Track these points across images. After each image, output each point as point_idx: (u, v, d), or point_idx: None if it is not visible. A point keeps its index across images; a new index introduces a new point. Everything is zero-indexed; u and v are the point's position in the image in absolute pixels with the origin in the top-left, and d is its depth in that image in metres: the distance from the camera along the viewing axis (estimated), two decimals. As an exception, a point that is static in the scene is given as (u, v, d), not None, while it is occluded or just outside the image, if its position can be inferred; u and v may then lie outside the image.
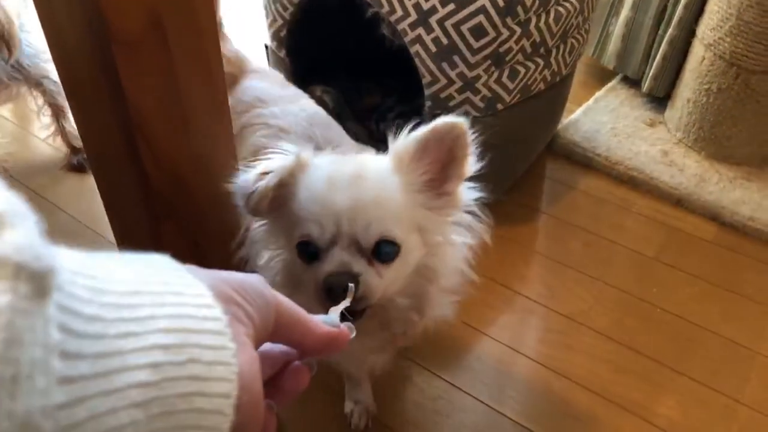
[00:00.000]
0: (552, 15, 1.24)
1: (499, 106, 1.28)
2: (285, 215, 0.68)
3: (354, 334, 0.42)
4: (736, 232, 1.47)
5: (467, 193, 0.70)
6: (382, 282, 0.65)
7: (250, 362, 0.32)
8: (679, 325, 1.25)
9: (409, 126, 0.67)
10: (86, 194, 1.55)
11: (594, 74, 2.03)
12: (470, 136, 0.66)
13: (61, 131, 1.58)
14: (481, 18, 1.13)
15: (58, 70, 0.63)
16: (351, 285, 0.57)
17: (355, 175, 0.66)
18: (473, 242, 0.73)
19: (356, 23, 1.36)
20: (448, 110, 1.27)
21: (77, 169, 1.60)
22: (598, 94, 1.92)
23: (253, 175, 0.66)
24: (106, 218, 1.47)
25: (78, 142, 1.60)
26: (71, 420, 0.25)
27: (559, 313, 1.27)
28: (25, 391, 0.22)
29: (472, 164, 0.68)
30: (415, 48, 1.21)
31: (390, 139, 0.69)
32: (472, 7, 1.13)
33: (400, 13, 1.19)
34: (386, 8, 1.21)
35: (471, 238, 0.73)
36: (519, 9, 1.14)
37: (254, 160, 0.68)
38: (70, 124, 1.58)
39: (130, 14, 0.54)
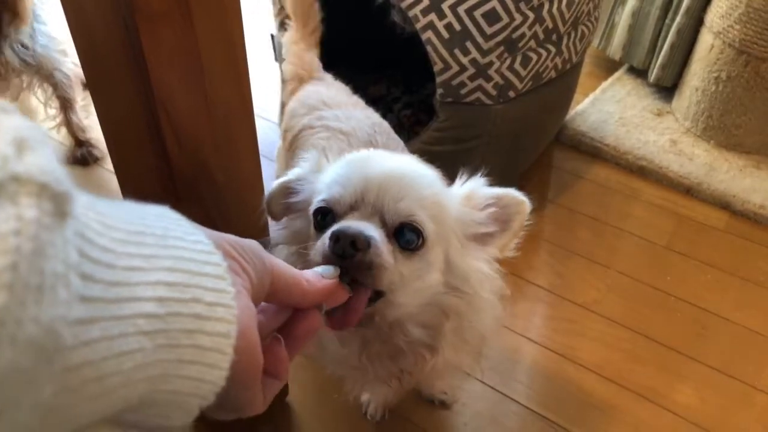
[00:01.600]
0: (564, 1, 1.22)
1: (511, 94, 1.27)
2: (304, 216, 0.66)
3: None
4: (747, 220, 1.47)
5: (490, 268, 0.66)
6: (396, 269, 0.57)
7: (247, 310, 0.34)
8: (693, 313, 1.24)
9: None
10: (91, 187, 1.53)
11: (599, 64, 2.02)
12: (527, 219, 0.65)
13: (68, 123, 1.56)
14: (494, 3, 1.12)
15: (76, 44, 0.61)
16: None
17: (402, 159, 0.65)
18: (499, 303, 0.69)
19: (365, 11, 1.34)
20: (460, 99, 1.26)
21: (81, 162, 1.58)
22: (604, 84, 1.92)
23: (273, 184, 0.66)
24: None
25: (83, 135, 1.58)
26: (87, 337, 0.26)
27: (572, 301, 1.26)
28: (49, 301, 0.24)
29: (512, 246, 0.67)
30: (427, 34, 1.20)
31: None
32: (485, -8, 1.11)
33: (411, -1, 1.18)
34: (397, -6, 1.19)
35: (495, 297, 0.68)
36: (533, -6, 1.13)
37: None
38: (77, 116, 1.56)
39: (153, -15, 0.53)
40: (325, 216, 0.60)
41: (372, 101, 1.68)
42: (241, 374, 0.34)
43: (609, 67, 2.00)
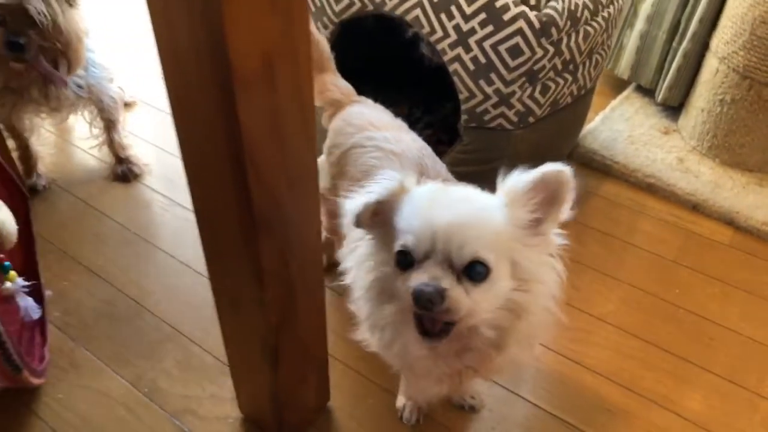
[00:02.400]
0: (581, 34, 1.32)
1: (531, 119, 1.36)
2: (386, 231, 0.76)
3: None
4: (751, 235, 1.56)
5: (556, 238, 0.76)
6: (469, 300, 0.70)
7: None
8: (701, 324, 1.33)
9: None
10: (132, 202, 1.63)
11: (608, 83, 2.12)
12: (572, 184, 0.72)
13: (110, 142, 1.65)
14: (518, 39, 1.22)
15: (170, 94, 0.70)
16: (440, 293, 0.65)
17: (460, 198, 0.75)
18: (560, 284, 0.78)
19: (392, 40, 1.44)
20: (483, 124, 1.36)
21: (122, 178, 1.67)
22: (613, 102, 2.01)
23: (362, 194, 0.76)
24: (152, 225, 1.55)
25: (124, 153, 1.67)
26: None
27: (587, 313, 1.35)
28: None
29: (567, 210, 0.74)
30: (454, 66, 1.30)
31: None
32: (509, 29, 1.21)
33: (440, 33, 1.27)
34: (427, 29, 1.29)
35: (558, 280, 0.78)
36: (553, 30, 1.23)
37: (364, 179, 0.77)
38: (119, 135, 1.66)
39: (250, 56, 0.62)
40: (405, 257, 0.72)
41: (395, 121, 1.78)
42: None
43: (617, 85, 2.09)
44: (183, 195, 1.64)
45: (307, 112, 0.74)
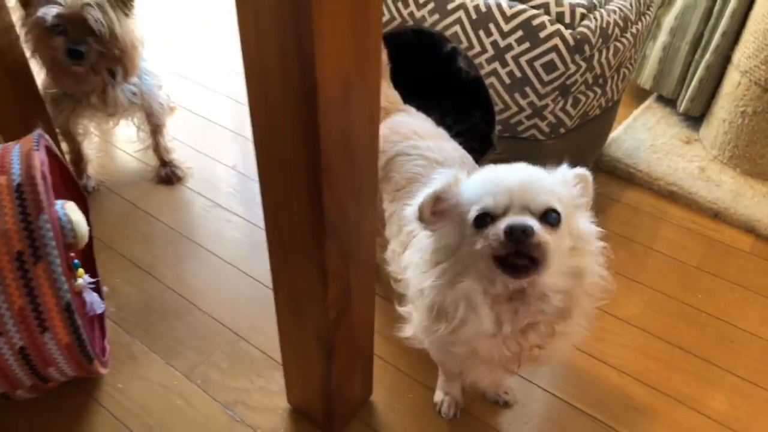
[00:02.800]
0: (611, 50, 1.38)
1: (562, 130, 1.43)
2: (450, 218, 0.85)
3: None
4: (771, 243, 1.62)
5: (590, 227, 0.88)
6: (551, 239, 0.78)
7: None
8: (723, 329, 1.39)
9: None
10: (176, 204, 1.71)
11: (631, 92, 2.18)
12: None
13: (156, 146, 1.74)
14: (552, 55, 1.28)
15: (253, 113, 0.78)
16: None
17: (519, 166, 0.87)
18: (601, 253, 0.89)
19: (429, 53, 1.51)
20: (517, 134, 1.43)
21: (166, 181, 1.75)
22: (635, 112, 2.07)
23: (420, 194, 0.85)
24: (195, 226, 1.63)
25: (168, 156, 1.76)
26: None
27: (614, 315, 1.41)
28: None
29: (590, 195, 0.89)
30: (491, 80, 1.37)
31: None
32: (545, 46, 1.28)
33: (478, 49, 1.35)
34: (465, 44, 1.36)
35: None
36: (586, 47, 1.29)
37: (408, 186, 0.86)
38: (164, 139, 1.74)
39: (332, 82, 0.70)
40: (484, 219, 0.81)
41: (426, 129, 1.85)
42: None
43: (640, 95, 2.15)
44: (223, 197, 1.73)
45: (374, 128, 0.81)
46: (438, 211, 0.86)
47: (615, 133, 1.95)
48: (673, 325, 1.40)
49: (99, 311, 1.23)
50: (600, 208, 1.73)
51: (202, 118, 2.03)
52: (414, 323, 1.03)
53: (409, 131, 1.21)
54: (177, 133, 1.91)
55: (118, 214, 1.66)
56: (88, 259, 1.41)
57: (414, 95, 1.65)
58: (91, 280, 1.23)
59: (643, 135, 1.96)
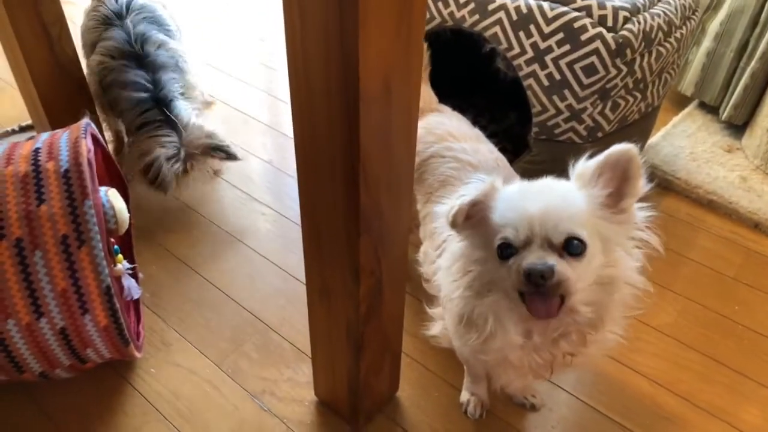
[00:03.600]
0: (654, 54, 1.36)
1: (599, 134, 1.42)
2: (482, 230, 0.84)
3: None
4: (813, 257, 1.57)
5: (640, 211, 0.84)
6: (573, 273, 0.77)
7: None
8: (759, 341, 1.36)
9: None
10: (212, 196, 1.75)
11: (671, 98, 2.14)
12: (640, 160, 0.79)
13: None
14: (593, 58, 1.27)
15: (295, 110, 0.79)
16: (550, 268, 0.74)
17: (543, 188, 0.83)
18: (643, 255, 0.86)
19: (468, 54, 1.51)
20: (553, 137, 1.42)
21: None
22: (675, 119, 2.03)
23: (455, 198, 0.84)
24: (231, 218, 1.65)
25: None
26: None
27: (647, 324, 1.39)
28: None
29: (643, 184, 0.81)
30: (529, 81, 1.36)
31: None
32: (586, 49, 1.26)
33: (517, 50, 1.34)
34: (504, 45, 1.35)
35: (642, 251, 0.86)
36: (628, 51, 1.28)
37: (441, 189, 0.85)
38: None
39: (374, 78, 0.70)
40: (506, 249, 0.80)
41: (461, 129, 1.84)
42: None
43: (681, 101, 2.11)
44: (259, 191, 1.75)
45: (412, 125, 0.82)
46: (471, 218, 0.85)
47: (653, 139, 1.92)
48: (707, 335, 1.38)
49: (136, 296, 1.26)
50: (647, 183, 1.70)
51: (238, 112, 2.07)
52: (443, 325, 1.03)
53: (444, 132, 1.21)
54: (214, 127, 1.94)
55: (155, 204, 1.70)
56: (127, 245, 1.45)
57: (450, 95, 1.65)
58: (129, 266, 1.26)
59: (682, 142, 1.92)
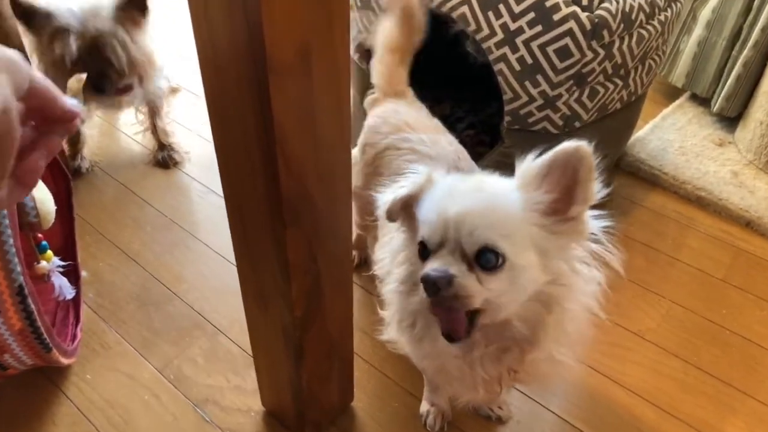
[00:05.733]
0: (635, 37, 1.26)
1: (577, 124, 1.31)
2: (414, 224, 0.74)
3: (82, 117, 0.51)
4: (807, 257, 1.47)
5: (593, 221, 0.71)
6: (482, 289, 0.67)
7: (8, 97, 0.42)
8: (747, 348, 1.26)
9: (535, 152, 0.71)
10: (171, 188, 1.65)
11: (661, 90, 2.04)
12: (594, 160, 0.66)
13: (153, 128, 1.67)
14: (567, 40, 1.17)
15: (205, 84, 0.69)
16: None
17: (473, 188, 0.72)
18: (603, 278, 0.74)
19: (438, 39, 1.41)
20: (527, 127, 1.31)
21: (162, 165, 1.69)
22: (665, 111, 1.93)
23: (393, 189, 0.75)
24: (188, 212, 1.56)
25: (166, 139, 1.69)
26: None
27: (626, 328, 1.29)
28: None
29: (596, 189, 0.68)
30: (499, 66, 1.26)
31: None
32: (559, 30, 1.16)
33: (486, 32, 1.24)
34: (473, 26, 1.25)
35: (600, 272, 0.73)
36: (605, 32, 1.17)
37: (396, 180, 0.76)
38: (162, 122, 1.68)
39: (286, 46, 0.61)
40: (424, 250, 0.72)
41: (438, 120, 1.75)
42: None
43: (670, 93, 2.01)
44: (219, 183, 1.65)
45: (342, 104, 0.72)
46: (409, 210, 0.76)
47: (640, 132, 1.82)
48: (691, 342, 1.27)
49: (68, 297, 1.17)
50: (621, 211, 1.60)
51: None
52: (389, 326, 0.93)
53: (401, 122, 1.11)
54: (178, 116, 1.85)
55: (110, 197, 1.60)
56: (68, 241, 1.35)
57: (426, 85, 1.56)
58: (62, 263, 1.16)
59: (671, 135, 1.82)
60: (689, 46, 1.87)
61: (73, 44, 1.31)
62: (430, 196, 0.73)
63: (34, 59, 1.39)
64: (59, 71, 1.34)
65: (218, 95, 0.70)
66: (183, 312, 1.31)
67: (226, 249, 1.45)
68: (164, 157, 1.69)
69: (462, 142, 1.69)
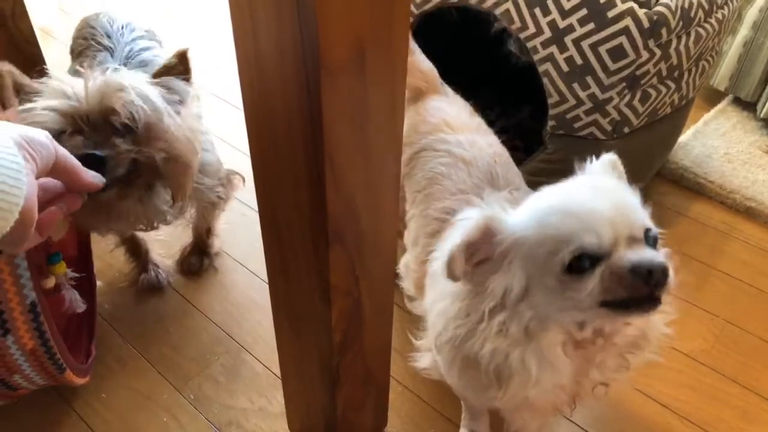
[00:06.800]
0: (692, 37, 1.17)
1: (626, 130, 1.22)
2: (502, 268, 0.67)
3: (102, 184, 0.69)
4: None
5: None
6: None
7: (32, 187, 0.54)
8: (811, 374, 1.17)
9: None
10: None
11: (702, 94, 1.93)
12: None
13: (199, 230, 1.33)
14: (622, 39, 1.08)
15: (244, 91, 0.62)
16: None
17: (590, 188, 0.69)
18: None
19: (476, 35, 1.32)
20: (573, 132, 1.23)
21: (189, 270, 1.35)
22: (707, 116, 1.84)
23: (449, 246, 0.68)
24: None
25: (212, 247, 1.37)
26: None
27: (679, 350, 1.20)
28: None
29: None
30: (545, 67, 1.17)
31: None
32: (614, 28, 1.07)
33: (532, 29, 1.15)
34: (517, 24, 1.17)
35: None
36: (663, 31, 1.09)
37: (429, 187, 0.68)
38: (214, 233, 1.37)
39: (341, 43, 0.52)
40: (583, 261, 0.63)
41: (468, 123, 1.66)
42: (19, 226, 0.53)
43: (713, 97, 1.91)
44: (244, 191, 1.56)
45: (396, 110, 0.63)
46: (477, 261, 0.68)
47: (682, 138, 1.72)
48: (749, 365, 1.18)
49: (79, 310, 1.08)
50: (662, 221, 1.50)
51: (222, 101, 1.89)
52: (432, 358, 0.86)
53: (440, 121, 1.03)
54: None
55: (126, 202, 1.53)
56: (84, 250, 1.27)
57: (455, 84, 1.47)
58: (74, 275, 1.08)
59: (715, 141, 1.72)
60: (734, 47, 1.78)
61: (56, 102, 0.87)
62: (526, 216, 0.68)
63: None
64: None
65: (259, 101, 0.62)
66: (203, 326, 1.23)
67: (248, 258, 1.37)
68: (193, 263, 1.34)
69: (496, 147, 1.63)
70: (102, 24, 1.22)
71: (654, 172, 1.54)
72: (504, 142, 1.64)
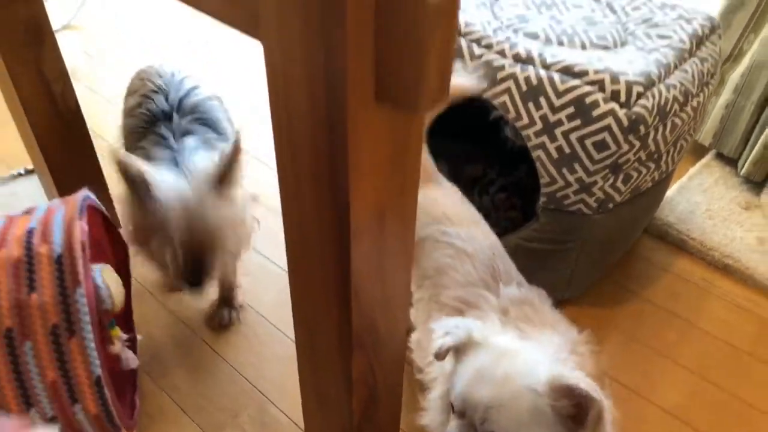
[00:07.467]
0: (669, 126, 1.32)
1: (610, 205, 1.37)
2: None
3: None
4: (833, 332, 1.51)
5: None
6: None
7: None
8: (775, 429, 1.31)
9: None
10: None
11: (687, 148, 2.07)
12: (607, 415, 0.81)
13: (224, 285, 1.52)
14: (605, 135, 1.23)
15: (288, 233, 0.77)
16: None
17: (501, 379, 0.85)
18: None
19: (477, 119, 1.47)
20: (562, 207, 1.37)
21: (217, 323, 1.52)
22: (692, 170, 1.97)
23: (442, 334, 0.88)
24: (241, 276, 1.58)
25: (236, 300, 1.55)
26: None
27: (657, 405, 1.34)
28: None
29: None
30: (537, 153, 1.32)
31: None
32: (598, 125, 1.22)
33: (526, 120, 1.30)
34: (513, 114, 1.31)
35: None
36: (641, 127, 1.23)
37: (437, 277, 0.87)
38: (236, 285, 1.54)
39: (366, 210, 0.67)
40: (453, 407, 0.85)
41: (470, 181, 1.81)
42: None
43: (698, 151, 2.05)
44: (268, 247, 1.68)
45: (407, 251, 0.79)
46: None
47: (668, 193, 1.86)
48: (721, 422, 1.32)
49: (133, 366, 1.24)
50: (646, 277, 1.65)
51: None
52: (432, 415, 1.03)
53: (439, 213, 1.17)
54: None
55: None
56: (126, 308, 1.43)
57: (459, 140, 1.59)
58: (126, 336, 1.24)
59: (698, 197, 1.87)
60: (717, 108, 1.92)
61: (180, 259, 1.16)
62: (467, 365, 0.87)
63: (124, 215, 1.22)
64: (157, 262, 1.23)
65: (299, 241, 0.76)
66: (231, 377, 1.38)
67: (272, 312, 1.52)
68: (224, 316, 1.50)
69: (494, 205, 1.78)
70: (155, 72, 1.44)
71: (638, 235, 1.68)
72: (503, 201, 1.81)
